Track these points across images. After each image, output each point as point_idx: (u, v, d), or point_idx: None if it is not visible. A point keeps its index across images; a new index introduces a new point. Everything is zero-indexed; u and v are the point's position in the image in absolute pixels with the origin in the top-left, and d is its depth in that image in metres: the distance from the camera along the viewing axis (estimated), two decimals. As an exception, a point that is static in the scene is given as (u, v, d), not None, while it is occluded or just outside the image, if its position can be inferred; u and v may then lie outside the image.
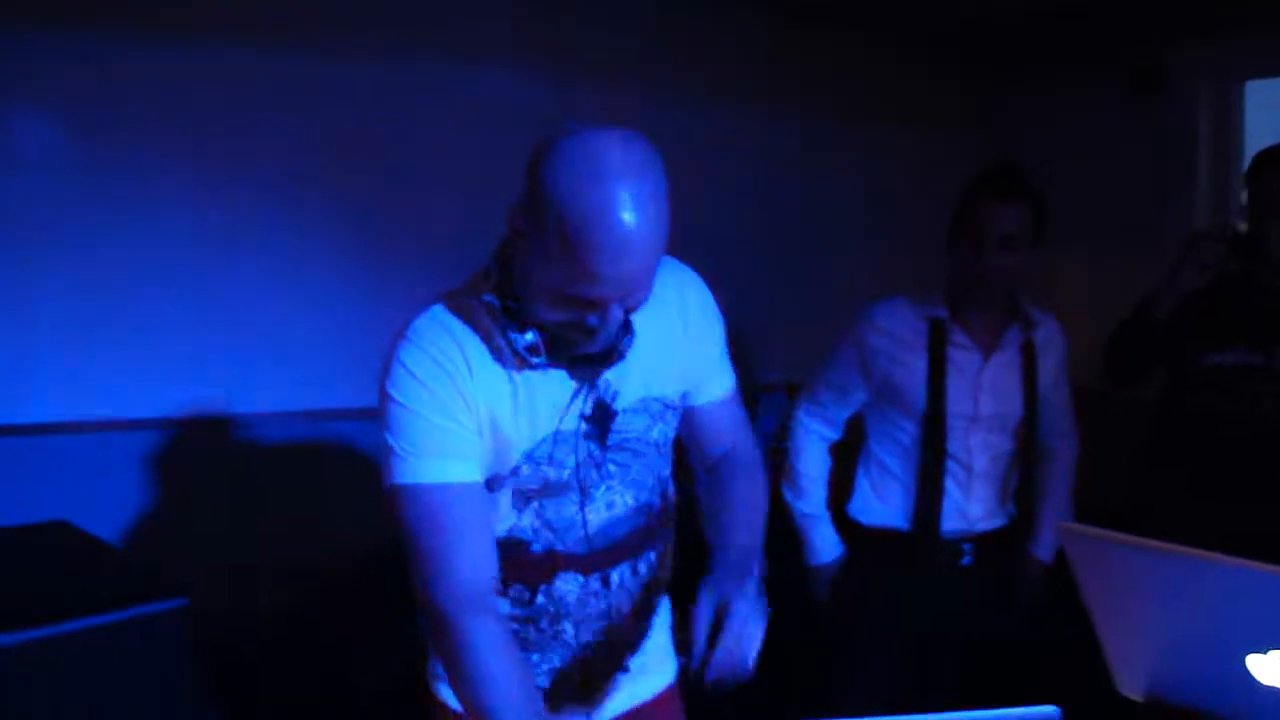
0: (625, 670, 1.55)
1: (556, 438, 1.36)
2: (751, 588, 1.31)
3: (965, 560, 2.34)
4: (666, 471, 1.53)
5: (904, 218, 3.46)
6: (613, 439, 1.40)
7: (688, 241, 1.41)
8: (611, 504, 1.43)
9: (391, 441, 1.30)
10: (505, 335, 1.29)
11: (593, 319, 1.22)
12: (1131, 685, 1.29)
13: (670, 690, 1.63)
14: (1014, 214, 2.15)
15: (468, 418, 1.29)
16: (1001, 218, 2.15)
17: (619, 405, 1.40)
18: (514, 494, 1.37)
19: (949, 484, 2.30)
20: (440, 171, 2.91)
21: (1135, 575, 1.22)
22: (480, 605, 1.29)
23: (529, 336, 1.28)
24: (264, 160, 2.71)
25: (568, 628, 1.47)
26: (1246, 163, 2.30)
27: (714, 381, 1.53)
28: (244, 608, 2.58)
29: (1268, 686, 1.13)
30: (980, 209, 2.17)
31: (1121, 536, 1.22)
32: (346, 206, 2.85)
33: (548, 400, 1.34)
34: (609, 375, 1.37)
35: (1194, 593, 1.17)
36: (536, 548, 1.41)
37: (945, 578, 2.33)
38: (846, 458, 2.48)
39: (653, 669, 1.60)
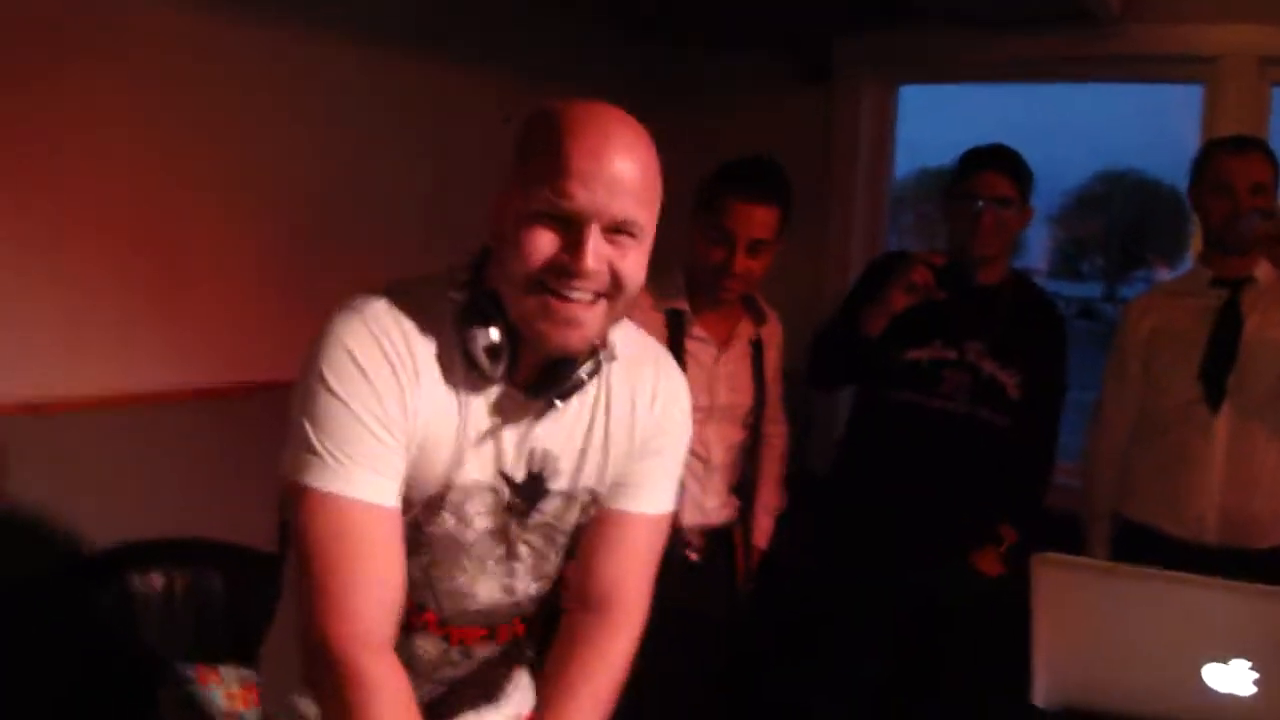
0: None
1: (475, 488, 1.18)
2: None
3: (695, 555, 2.33)
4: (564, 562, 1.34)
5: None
6: (535, 518, 1.23)
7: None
8: (510, 589, 1.27)
9: (313, 434, 1.07)
10: (463, 336, 1.11)
11: (566, 256, 1.06)
12: (1054, 698, 1.34)
13: None
14: (768, 219, 2.16)
15: (402, 432, 1.10)
16: (755, 223, 2.14)
17: (554, 486, 1.22)
18: (407, 527, 1.16)
19: (687, 479, 2.27)
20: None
21: (1101, 597, 1.27)
22: (382, 649, 1.09)
23: (493, 333, 1.10)
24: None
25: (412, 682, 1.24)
26: (898, 166, 2.53)
27: (648, 494, 1.29)
28: None
29: (1223, 694, 1.23)
30: (733, 211, 2.14)
31: (1095, 563, 1.27)
32: None
33: (484, 442, 1.16)
34: (554, 448, 1.20)
35: (1159, 609, 1.24)
36: (407, 600, 1.17)
37: (679, 570, 2.30)
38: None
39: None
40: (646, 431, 1.26)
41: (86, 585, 2.10)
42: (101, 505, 2.15)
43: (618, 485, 1.27)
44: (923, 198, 3.93)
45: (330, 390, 1.07)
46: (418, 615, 1.23)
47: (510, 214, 1.09)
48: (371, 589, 1.08)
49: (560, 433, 1.20)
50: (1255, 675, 1.21)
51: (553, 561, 1.29)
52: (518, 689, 1.42)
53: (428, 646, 1.26)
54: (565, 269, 1.06)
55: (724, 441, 2.32)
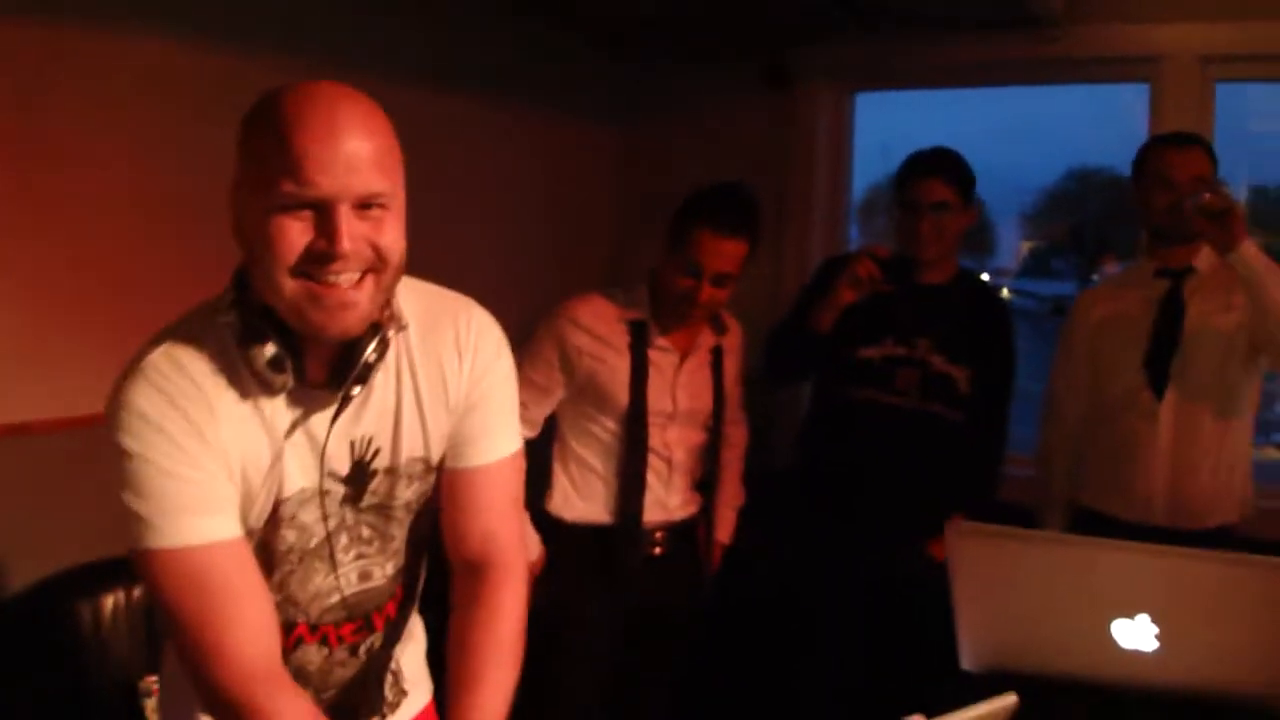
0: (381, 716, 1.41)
1: (305, 497, 1.20)
2: None
3: (658, 549, 2.40)
4: (425, 532, 1.37)
5: (535, 206, 3.40)
6: (367, 500, 1.25)
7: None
8: (368, 574, 1.29)
9: (131, 501, 1.08)
10: (246, 359, 1.12)
11: (322, 243, 1.06)
12: (979, 660, 1.41)
13: (428, 708, 1.49)
14: (736, 252, 2.21)
15: (216, 464, 1.11)
16: (720, 256, 2.19)
17: (377, 465, 1.24)
18: (256, 549, 1.19)
19: (650, 478, 2.34)
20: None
21: (1014, 562, 1.34)
22: (273, 676, 1.12)
23: (269, 350, 1.10)
24: None
25: (309, 694, 1.28)
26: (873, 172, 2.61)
27: (486, 444, 1.31)
28: None
29: (1129, 649, 1.30)
30: (701, 244, 2.18)
31: (1007, 529, 1.33)
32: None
33: (302, 449, 1.18)
34: (371, 430, 1.22)
35: (1066, 570, 1.31)
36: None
37: (643, 565, 2.37)
38: (534, 454, 2.41)
39: (411, 701, 1.46)
40: (462, 387, 1.26)
41: (65, 601, 2.16)
42: (82, 523, 2.21)
43: (455, 445, 1.28)
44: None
45: (132, 455, 1.08)
46: (290, 631, 1.26)
47: (252, 213, 1.08)
48: (245, 623, 1.10)
49: (372, 413, 1.21)
50: (1156, 629, 1.28)
51: (399, 538, 1.30)
52: (415, 683, 1.45)
53: (310, 656, 1.29)
54: (323, 255, 1.06)
55: (685, 444, 2.39)
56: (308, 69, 2.57)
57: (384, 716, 1.39)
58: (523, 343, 2.28)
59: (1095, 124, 4.07)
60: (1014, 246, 4.92)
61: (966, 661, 1.42)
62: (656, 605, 2.40)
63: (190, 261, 2.38)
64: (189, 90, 2.33)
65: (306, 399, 1.17)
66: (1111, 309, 2.43)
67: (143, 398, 1.09)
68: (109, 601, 2.17)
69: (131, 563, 1.10)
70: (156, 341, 1.14)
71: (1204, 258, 2.32)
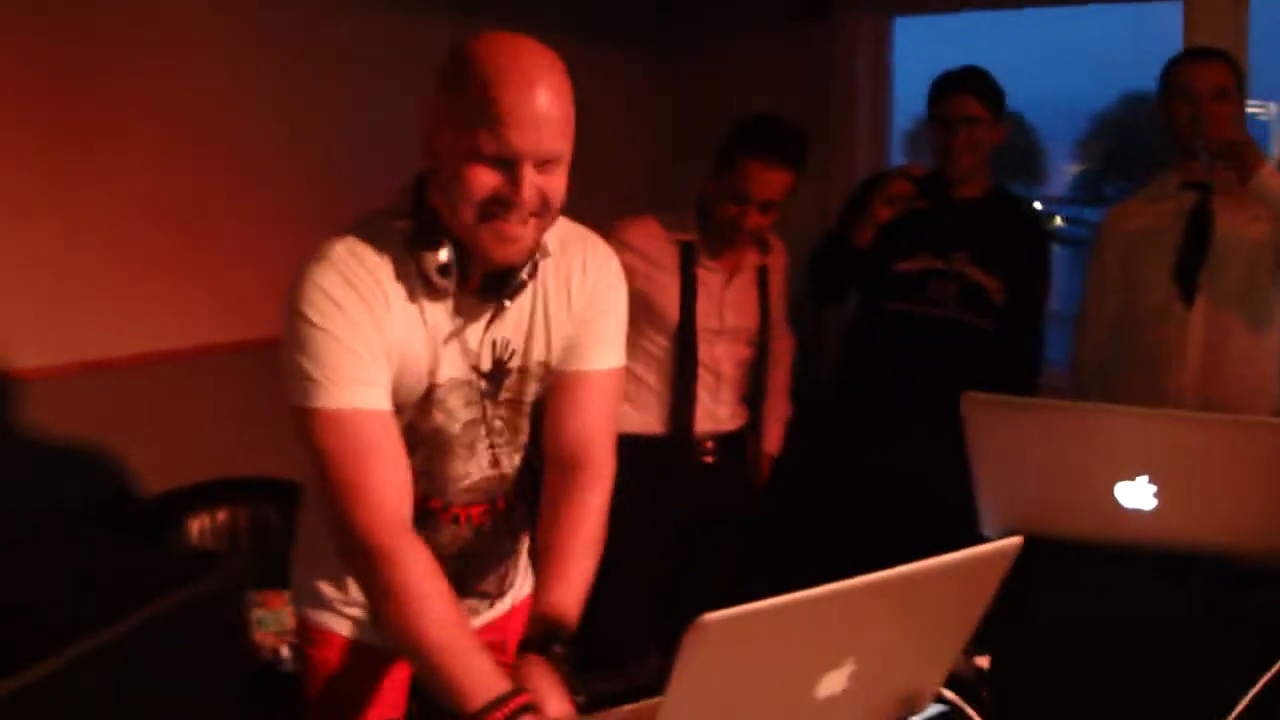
0: (488, 595, 1.59)
1: (453, 385, 1.38)
2: (557, 669, 1.28)
3: (709, 458, 2.55)
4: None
5: (579, 131, 3.52)
6: (503, 395, 1.43)
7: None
8: (497, 462, 1.46)
9: (306, 364, 1.26)
10: (417, 259, 1.29)
11: (506, 190, 1.23)
12: (997, 525, 1.54)
13: (526, 599, 1.65)
14: (779, 183, 2.34)
15: (380, 346, 1.29)
16: (767, 186, 2.33)
17: (512, 364, 1.42)
18: (404, 428, 1.36)
19: (700, 390, 2.49)
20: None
21: (1023, 429, 1.46)
22: (406, 529, 1.28)
23: (442, 255, 1.28)
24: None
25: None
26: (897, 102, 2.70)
27: (595, 352, 1.46)
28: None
29: (1130, 509, 1.42)
30: (749, 173, 2.31)
31: (1017, 399, 1.46)
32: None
33: (452, 345, 1.36)
34: (508, 334, 1.40)
35: (1073, 436, 1.44)
36: (416, 492, 1.38)
37: (695, 473, 2.53)
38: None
39: (518, 590, 1.66)
40: (582, 301, 1.44)
41: (156, 524, 2.38)
42: (165, 453, 2.43)
43: (568, 350, 1.44)
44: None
45: (312, 324, 1.25)
46: (425, 503, 1.42)
47: (446, 150, 1.25)
48: (385, 480, 1.27)
49: (510, 321, 1.39)
50: (1154, 489, 1.39)
51: (525, 431, 1.48)
52: (519, 573, 1.64)
53: (442, 530, 1.46)
54: (505, 200, 1.23)
55: (733, 358, 2.54)
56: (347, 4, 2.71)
57: (493, 596, 1.59)
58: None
59: (1143, 46, 4.05)
60: (1065, 172, 4.91)
61: (986, 526, 1.55)
62: (708, 511, 2.56)
63: (245, 211, 2.59)
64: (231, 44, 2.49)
65: (463, 303, 1.35)
66: (1141, 222, 2.49)
67: (325, 278, 1.27)
68: (195, 525, 2.40)
69: (294, 417, 1.28)
70: (341, 236, 1.31)
71: (1220, 174, 2.36)
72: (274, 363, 1.32)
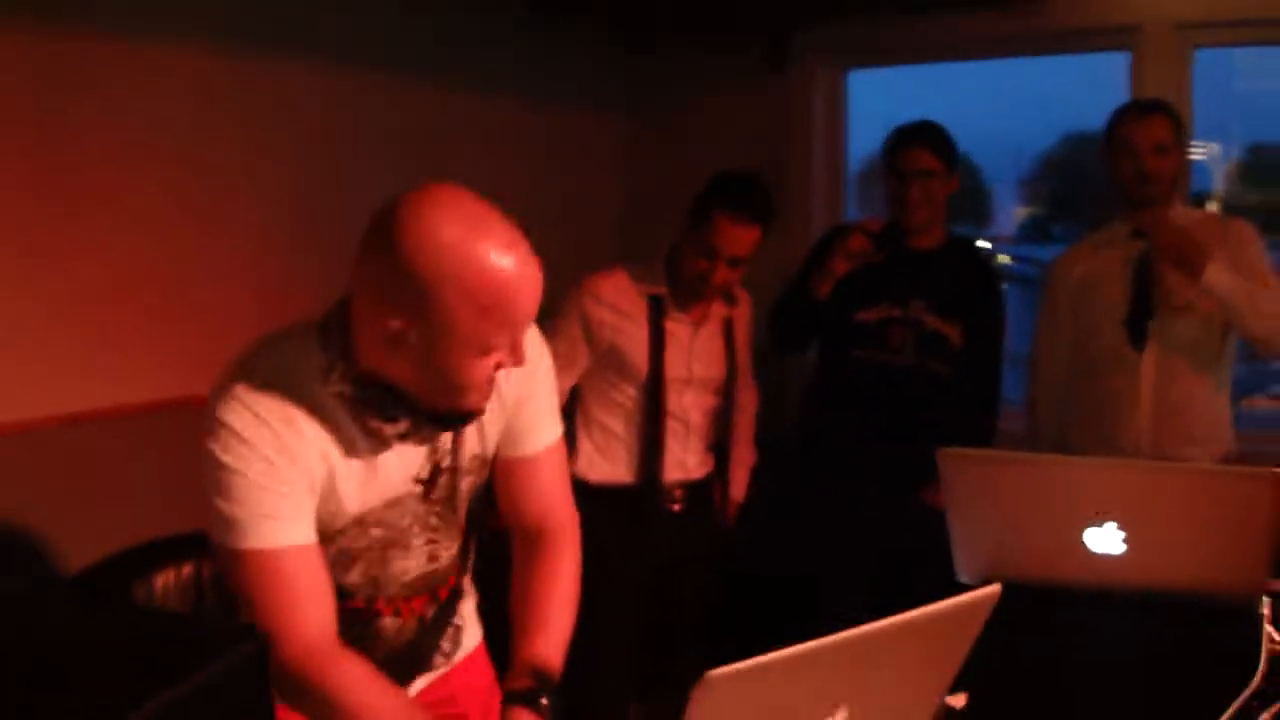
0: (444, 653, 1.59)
1: (391, 503, 1.37)
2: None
3: (678, 506, 2.58)
4: (478, 513, 1.54)
5: (547, 193, 3.56)
6: (435, 494, 1.42)
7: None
8: (435, 556, 1.45)
9: (220, 504, 1.24)
10: (367, 428, 1.28)
11: (513, 359, 1.26)
12: (972, 572, 1.59)
13: (479, 648, 1.68)
14: (749, 239, 2.40)
15: (300, 478, 1.26)
16: (737, 242, 2.38)
17: (444, 465, 1.41)
18: (338, 552, 1.36)
19: (669, 439, 2.52)
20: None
21: (996, 480, 1.51)
22: (335, 649, 1.29)
23: (402, 426, 1.29)
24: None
25: (377, 649, 1.47)
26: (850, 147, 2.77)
27: (535, 435, 1.49)
28: None
29: (1099, 554, 1.47)
30: (720, 227, 2.37)
31: (990, 453, 1.51)
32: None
33: (388, 468, 1.34)
34: (441, 441, 1.38)
35: (1043, 486, 1.49)
36: (358, 600, 1.41)
37: (665, 520, 2.56)
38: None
39: (465, 645, 1.65)
40: (513, 392, 1.43)
41: (118, 583, 2.33)
42: (121, 509, 2.38)
43: (508, 438, 1.47)
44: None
45: (225, 467, 1.22)
46: (371, 606, 1.43)
47: (438, 350, 1.21)
48: (309, 611, 1.26)
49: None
50: (1122, 534, 1.45)
51: (460, 518, 1.47)
52: (467, 627, 1.64)
53: (386, 625, 1.46)
54: (490, 377, 1.26)
55: (700, 408, 2.58)
56: (324, 70, 2.73)
57: (447, 657, 1.59)
58: (540, 321, 2.46)
59: (1089, 90, 4.16)
60: (1012, 213, 5.02)
61: (962, 574, 1.60)
62: (680, 557, 2.59)
63: (220, 263, 2.57)
64: (214, 103, 2.49)
65: (410, 432, 1.32)
66: (1090, 269, 2.55)
67: (234, 417, 1.23)
68: (160, 581, 2.36)
69: (214, 555, 1.28)
70: (252, 364, 1.27)
71: (1175, 217, 2.43)
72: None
